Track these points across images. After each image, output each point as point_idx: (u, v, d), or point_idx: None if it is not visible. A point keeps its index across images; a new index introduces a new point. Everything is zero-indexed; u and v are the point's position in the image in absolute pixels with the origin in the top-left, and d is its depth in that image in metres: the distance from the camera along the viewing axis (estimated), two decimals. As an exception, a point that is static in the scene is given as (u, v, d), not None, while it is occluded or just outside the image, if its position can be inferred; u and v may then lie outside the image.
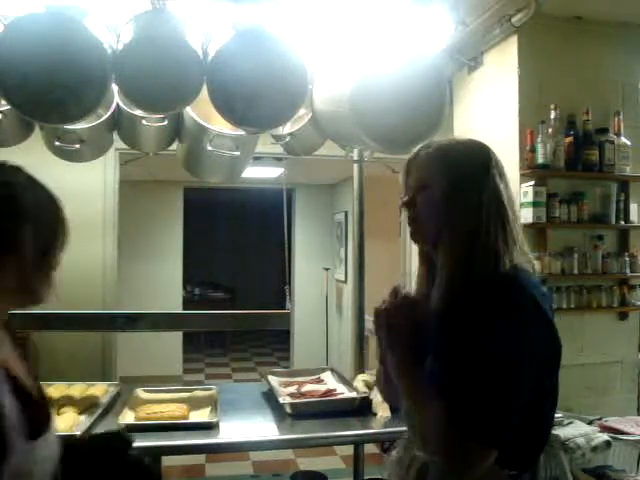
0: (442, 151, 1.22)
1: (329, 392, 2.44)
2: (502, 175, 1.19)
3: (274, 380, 2.61)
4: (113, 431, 1.85)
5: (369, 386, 2.43)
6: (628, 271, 2.91)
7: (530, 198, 2.75)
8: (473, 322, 1.07)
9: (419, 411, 1.13)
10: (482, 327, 1.06)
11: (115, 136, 2.65)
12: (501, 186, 1.17)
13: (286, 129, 2.48)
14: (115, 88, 1.99)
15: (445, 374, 1.08)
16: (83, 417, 2.09)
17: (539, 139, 2.79)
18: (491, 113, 3.12)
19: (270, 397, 2.47)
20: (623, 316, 2.99)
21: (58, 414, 2.04)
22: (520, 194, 2.80)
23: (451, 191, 1.16)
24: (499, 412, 1.04)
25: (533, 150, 2.81)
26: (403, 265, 4.35)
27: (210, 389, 2.44)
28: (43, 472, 1.00)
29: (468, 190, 1.15)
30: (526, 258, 1.18)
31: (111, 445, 1.23)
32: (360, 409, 2.28)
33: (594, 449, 2.43)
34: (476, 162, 1.19)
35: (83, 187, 3.71)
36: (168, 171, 5.23)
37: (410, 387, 1.14)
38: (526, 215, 2.78)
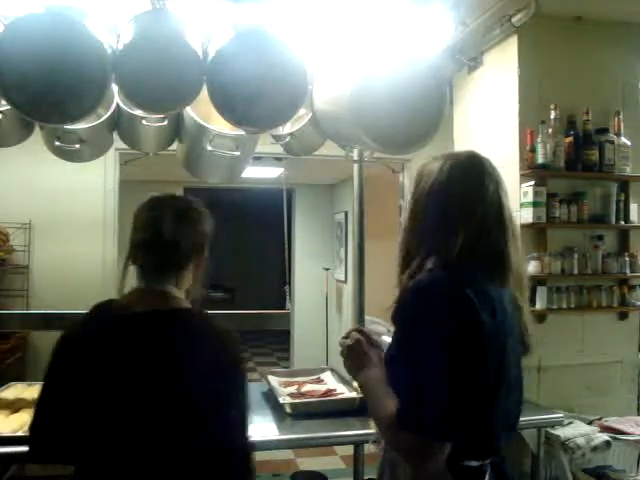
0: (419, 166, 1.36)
1: (329, 392, 2.45)
2: (470, 188, 1.25)
3: (274, 380, 2.61)
4: None
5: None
6: (628, 271, 2.90)
7: (530, 198, 2.75)
8: (401, 323, 1.20)
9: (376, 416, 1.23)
10: (404, 327, 1.19)
11: (115, 136, 2.65)
12: (457, 203, 1.23)
13: (286, 129, 2.48)
14: (115, 88, 1.99)
15: (390, 375, 1.21)
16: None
17: (539, 139, 2.79)
18: (491, 113, 3.11)
19: (270, 397, 2.48)
20: (623, 316, 2.99)
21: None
22: (520, 194, 2.80)
23: (411, 203, 1.32)
24: (440, 405, 1.09)
25: (533, 150, 2.81)
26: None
27: None
28: None
29: (417, 202, 1.29)
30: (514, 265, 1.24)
31: None
32: (360, 409, 2.28)
33: (594, 449, 2.43)
34: (432, 175, 1.27)
35: (83, 187, 3.72)
36: (168, 171, 5.22)
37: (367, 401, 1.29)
38: (526, 215, 2.78)
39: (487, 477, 1.21)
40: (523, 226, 2.80)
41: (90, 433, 1.20)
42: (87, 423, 1.20)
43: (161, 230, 1.30)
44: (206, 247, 1.42)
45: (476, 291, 1.14)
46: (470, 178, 1.25)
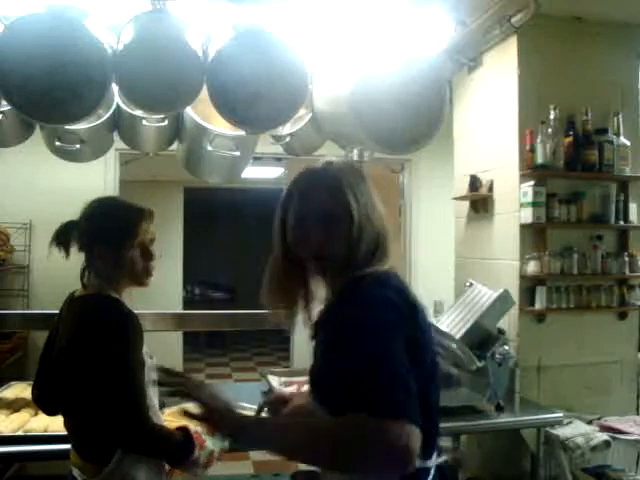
0: None
1: (329, 392, 2.44)
2: (342, 194, 1.24)
3: (274, 380, 2.61)
4: None
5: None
6: (627, 271, 2.90)
7: (530, 198, 2.75)
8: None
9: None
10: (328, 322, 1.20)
11: (115, 136, 2.65)
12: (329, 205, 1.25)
13: (286, 129, 2.48)
14: (115, 88, 1.99)
15: (325, 378, 1.18)
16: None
17: (539, 139, 2.79)
18: (491, 113, 3.11)
19: (270, 397, 2.47)
20: (622, 316, 2.99)
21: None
22: (520, 194, 2.80)
23: (335, 216, 1.29)
24: (391, 385, 1.02)
25: (533, 150, 2.81)
26: (402, 264, 4.35)
27: None
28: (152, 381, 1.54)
29: (339, 214, 1.27)
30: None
31: None
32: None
33: (593, 449, 2.43)
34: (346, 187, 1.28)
35: (83, 187, 3.71)
36: (168, 171, 5.23)
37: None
38: (525, 215, 2.78)
39: (431, 478, 1.17)
40: (523, 226, 2.81)
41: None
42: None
43: None
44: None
45: (399, 294, 1.19)
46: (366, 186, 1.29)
